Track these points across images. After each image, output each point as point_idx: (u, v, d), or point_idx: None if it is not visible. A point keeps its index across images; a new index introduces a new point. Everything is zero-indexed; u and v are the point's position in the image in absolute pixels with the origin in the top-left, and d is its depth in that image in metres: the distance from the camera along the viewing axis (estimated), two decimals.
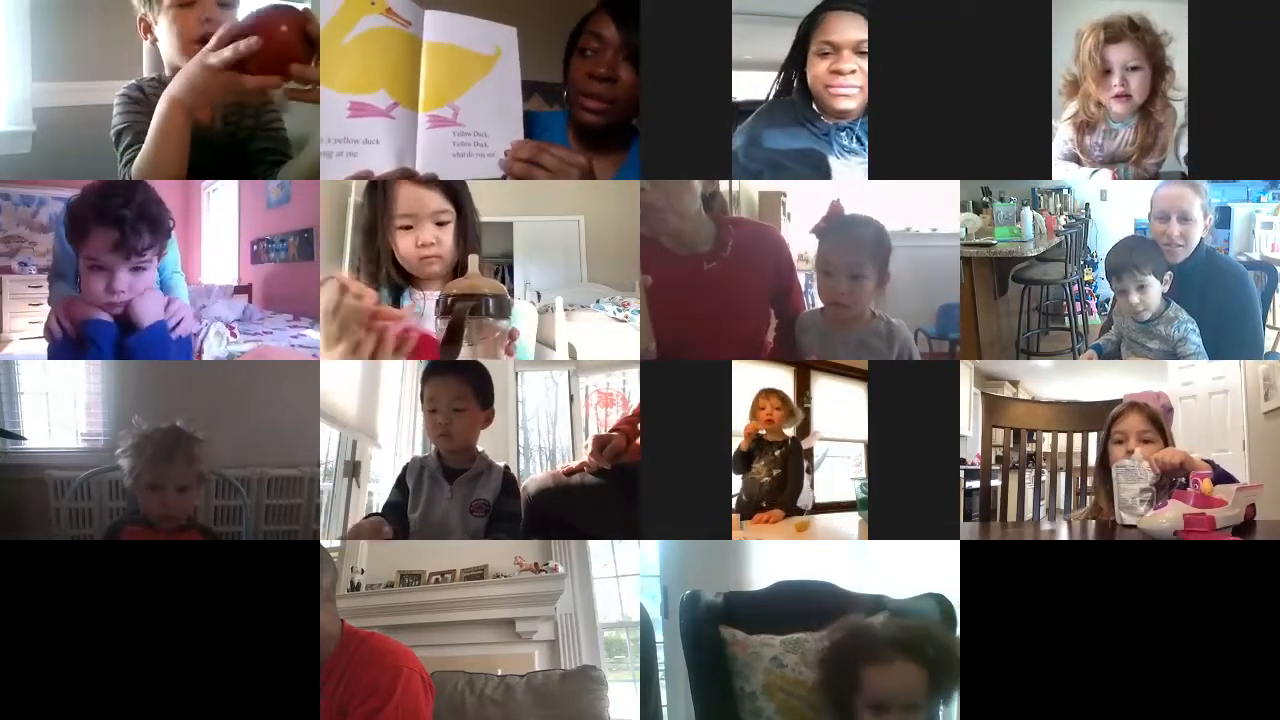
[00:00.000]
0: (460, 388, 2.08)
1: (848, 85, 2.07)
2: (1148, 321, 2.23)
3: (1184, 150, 2.15)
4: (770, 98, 2.16)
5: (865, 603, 1.96)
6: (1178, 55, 2.11)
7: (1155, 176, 2.23)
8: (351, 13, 1.80)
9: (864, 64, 2.05)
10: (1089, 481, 2.33)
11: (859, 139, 2.10)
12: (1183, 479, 2.02)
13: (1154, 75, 2.17)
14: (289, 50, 1.85)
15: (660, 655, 2.13)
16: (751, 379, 2.43)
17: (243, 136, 2.14)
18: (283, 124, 2.16)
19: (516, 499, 2.14)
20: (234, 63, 1.84)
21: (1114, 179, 2.25)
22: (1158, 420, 2.17)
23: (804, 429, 2.59)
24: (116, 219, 1.95)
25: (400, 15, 1.81)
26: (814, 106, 2.13)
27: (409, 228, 1.97)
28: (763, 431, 2.45)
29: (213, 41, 1.86)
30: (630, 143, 2.08)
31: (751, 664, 1.88)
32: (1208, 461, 2.06)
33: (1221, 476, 2.03)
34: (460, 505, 2.10)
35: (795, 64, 2.14)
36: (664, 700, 2.11)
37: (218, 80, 1.86)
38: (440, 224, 1.98)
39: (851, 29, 2.05)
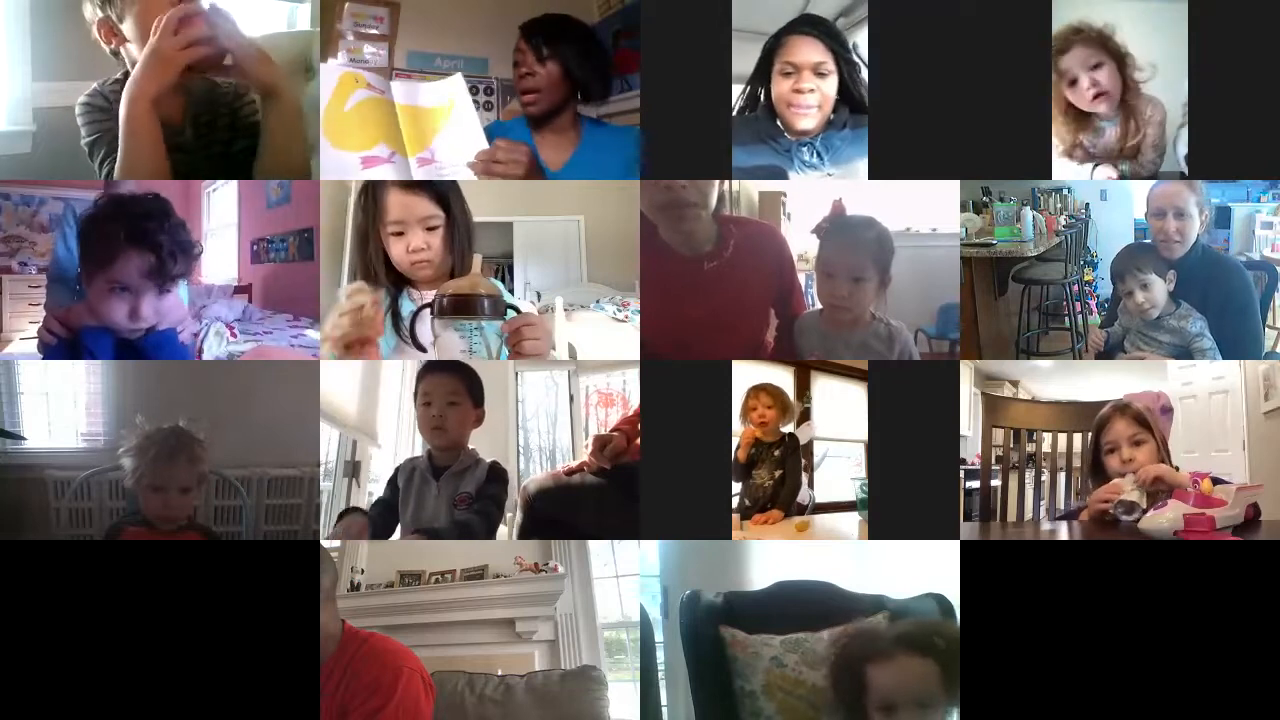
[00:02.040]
0: (455, 383, 2.14)
1: (807, 105, 2.16)
2: (1158, 320, 2.24)
3: (1183, 150, 2.15)
4: (735, 113, 2.19)
5: (865, 603, 1.96)
6: (1162, 52, 2.14)
7: (1154, 176, 2.23)
8: (345, 90, 2.14)
9: (823, 85, 2.15)
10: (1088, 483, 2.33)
11: (819, 154, 2.17)
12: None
13: (1118, 65, 2.20)
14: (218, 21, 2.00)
15: (660, 655, 2.13)
16: (751, 380, 2.43)
17: (223, 139, 2.14)
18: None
19: (501, 485, 2.17)
20: (173, 31, 1.92)
21: (1112, 166, 2.25)
22: (1143, 419, 2.15)
23: (802, 418, 2.57)
24: (153, 244, 1.82)
25: (377, 87, 2.16)
26: (778, 123, 2.19)
27: (400, 234, 1.98)
28: (758, 435, 2.43)
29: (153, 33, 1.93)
30: (581, 133, 2.29)
31: (751, 664, 1.88)
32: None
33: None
34: (446, 501, 2.13)
35: (760, 80, 2.19)
36: (664, 700, 2.11)
37: (163, 50, 1.91)
38: (430, 229, 1.98)
39: (811, 51, 2.14)
